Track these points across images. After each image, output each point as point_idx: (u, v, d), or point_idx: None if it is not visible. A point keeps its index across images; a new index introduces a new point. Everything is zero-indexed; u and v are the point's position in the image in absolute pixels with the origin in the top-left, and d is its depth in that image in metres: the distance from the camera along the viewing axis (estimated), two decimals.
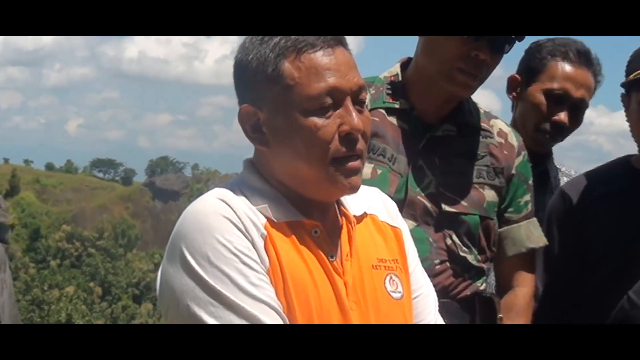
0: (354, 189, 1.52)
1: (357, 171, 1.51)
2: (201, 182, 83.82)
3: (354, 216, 1.59)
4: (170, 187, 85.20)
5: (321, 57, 1.48)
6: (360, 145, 1.50)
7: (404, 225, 1.70)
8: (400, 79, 2.16)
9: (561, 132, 2.56)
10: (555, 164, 2.76)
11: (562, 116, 2.54)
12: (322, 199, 1.54)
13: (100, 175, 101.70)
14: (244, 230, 1.46)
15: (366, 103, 1.56)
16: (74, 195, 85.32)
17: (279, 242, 1.48)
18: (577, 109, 2.56)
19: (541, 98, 2.57)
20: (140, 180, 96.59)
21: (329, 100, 1.47)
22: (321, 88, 1.47)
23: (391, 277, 1.58)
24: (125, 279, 63.74)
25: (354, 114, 1.49)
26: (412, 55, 2.18)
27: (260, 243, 1.47)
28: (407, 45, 2.40)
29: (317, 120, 1.47)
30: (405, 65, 2.19)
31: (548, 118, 2.55)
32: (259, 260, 1.45)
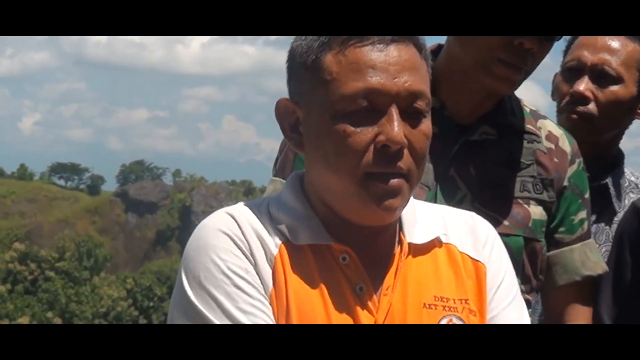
0: (388, 214, 1.54)
1: (394, 192, 1.52)
2: (184, 192, 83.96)
3: (411, 244, 1.61)
4: (146, 198, 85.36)
5: (368, 52, 1.51)
6: (404, 162, 1.52)
7: (498, 260, 1.68)
8: None
9: (581, 104, 2.52)
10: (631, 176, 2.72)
11: (579, 85, 2.53)
12: (355, 220, 1.56)
13: (61, 182, 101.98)
14: (245, 249, 1.53)
15: (426, 113, 1.57)
16: (29, 207, 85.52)
17: (292, 266, 1.53)
18: (601, 77, 2.53)
19: (559, 78, 2.61)
20: (111, 189, 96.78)
21: (364, 103, 1.50)
22: (357, 88, 1.50)
23: (450, 320, 1.58)
24: (91, 308, 63.83)
25: (396, 123, 1.50)
26: (442, 41, 2.20)
27: (266, 266, 1.53)
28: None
29: (347, 126, 1.50)
30: (434, 53, 2.18)
31: (566, 94, 2.56)
32: (258, 284, 1.52)
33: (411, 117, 1.52)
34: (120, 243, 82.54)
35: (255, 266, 1.52)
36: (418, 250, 1.61)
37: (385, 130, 1.50)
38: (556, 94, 2.62)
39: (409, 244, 1.61)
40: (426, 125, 1.55)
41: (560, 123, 2.52)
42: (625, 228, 2.36)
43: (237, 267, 1.51)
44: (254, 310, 1.50)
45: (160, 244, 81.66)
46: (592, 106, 2.54)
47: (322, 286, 1.53)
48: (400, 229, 1.62)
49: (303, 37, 1.57)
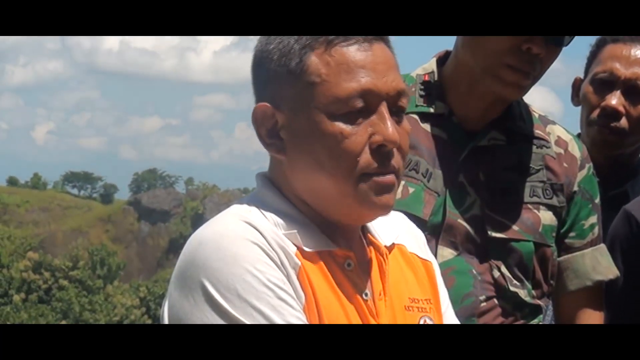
0: (385, 210, 1.54)
1: (390, 188, 1.52)
2: (197, 200, 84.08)
3: (385, 247, 1.61)
4: (159, 206, 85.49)
5: (355, 52, 1.50)
6: (396, 161, 1.52)
7: (433, 258, 1.73)
8: (436, 77, 2.18)
9: (614, 119, 2.54)
10: None
11: (611, 99, 2.54)
12: (348, 221, 1.56)
13: (75, 191, 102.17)
14: (276, 259, 1.48)
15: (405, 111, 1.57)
16: (43, 216, 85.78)
17: (312, 274, 1.50)
18: (634, 92, 2.54)
19: (588, 88, 2.60)
20: (123, 198, 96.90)
21: (359, 104, 1.49)
22: (351, 89, 1.49)
23: (425, 321, 1.60)
24: (105, 316, 63.88)
25: (389, 122, 1.50)
26: (451, 47, 2.19)
27: (293, 275, 1.49)
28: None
29: (343, 127, 1.49)
30: (442, 60, 2.21)
31: (596, 107, 2.57)
32: (294, 295, 1.47)
33: (396, 114, 1.52)
34: (134, 251, 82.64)
35: (287, 277, 1.48)
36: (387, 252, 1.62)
37: (380, 129, 1.49)
38: (584, 103, 2.61)
39: (385, 246, 1.61)
40: (405, 122, 1.56)
41: (589, 134, 2.55)
42: (616, 233, 2.36)
43: (275, 279, 1.45)
44: (299, 322, 1.45)
45: (173, 252, 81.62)
46: (623, 121, 2.56)
47: (339, 294, 1.51)
48: (367, 230, 1.61)
49: (272, 38, 1.55)
